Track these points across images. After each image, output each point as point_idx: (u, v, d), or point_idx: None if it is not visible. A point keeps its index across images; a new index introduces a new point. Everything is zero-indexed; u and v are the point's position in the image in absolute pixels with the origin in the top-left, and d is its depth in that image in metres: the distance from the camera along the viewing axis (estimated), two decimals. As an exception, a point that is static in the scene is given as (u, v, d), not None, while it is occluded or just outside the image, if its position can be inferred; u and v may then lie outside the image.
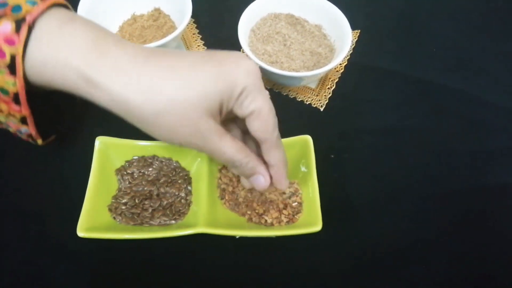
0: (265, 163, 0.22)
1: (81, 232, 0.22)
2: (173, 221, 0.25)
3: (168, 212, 0.25)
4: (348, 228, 0.27)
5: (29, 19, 0.17)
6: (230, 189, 0.26)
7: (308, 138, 0.26)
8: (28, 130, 0.20)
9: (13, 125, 0.20)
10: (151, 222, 0.25)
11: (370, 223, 0.27)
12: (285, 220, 0.24)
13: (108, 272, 0.24)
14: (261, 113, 0.19)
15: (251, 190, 0.26)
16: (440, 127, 0.32)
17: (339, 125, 0.32)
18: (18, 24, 0.16)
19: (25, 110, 0.18)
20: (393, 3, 0.40)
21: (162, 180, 0.26)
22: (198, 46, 0.36)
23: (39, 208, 0.26)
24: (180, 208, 0.25)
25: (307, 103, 0.33)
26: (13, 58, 0.17)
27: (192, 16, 0.33)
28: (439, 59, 0.36)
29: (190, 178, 0.27)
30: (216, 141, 0.19)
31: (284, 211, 0.25)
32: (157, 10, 0.35)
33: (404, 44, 0.37)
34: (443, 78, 0.35)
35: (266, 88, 0.23)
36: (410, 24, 0.39)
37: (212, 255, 0.25)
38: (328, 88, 0.34)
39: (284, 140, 0.23)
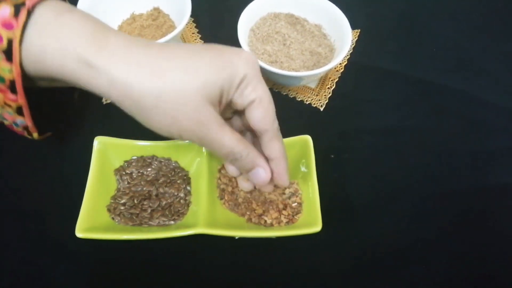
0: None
1: (79, 233, 0.22)
2: (172, 222, 0.25)
3: (167, 213, 0.25)
4: (348, 228, 0.26)
5: (28, 4, 0.16)
6: (230, 189, 0.26)
7: (308, 138, 0.26)
8: (24, 121, 0.19)
9: (9, 117, 0.19)
10: (150, 222, 0.24)
11: (370, 223, 0.27)
12: (284, 220, 0.24)
13: (108, 272, 0.24)
14: (262, 102, 0.20)
15: (251, 191, 0.26)
16: (440, 127, 0.32)
17: (339, 125, 0.32)
18: (17, 8, 0.16)
19: (21, 99, 0.18)
20: (393, 3, 0.40)
21: (161, 180, 0.26)
22: (198, 45, 0.36)
23: (39, 208, 0.26)
24: (179, 209, 0.25)
25: (307, 103, 0.33)
26: (10, 43, 0.16)
27: (192, 16, 0.33)
28: (439, 59, 0.36)
29: (189, 178, 0.27)
30: (216, 131, 0.19)
31: (283, 212, 0.25)
32: (157, 10, 0.35)
33: (405, 44, 0.37)
34: (444, 78, 0.35)
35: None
36: (410, 24, 0.39)
37: (211, 255, 0.25)
38: (328, 88, 0.34)
39: (284, 140, 0.22)
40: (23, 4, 0.16)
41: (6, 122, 0.20)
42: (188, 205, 0.26)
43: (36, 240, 0.25)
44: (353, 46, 0.36)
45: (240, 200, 0.26)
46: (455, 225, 0.27)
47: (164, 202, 0.25)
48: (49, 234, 0.25)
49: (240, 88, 0.19)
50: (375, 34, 0.37)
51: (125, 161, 0.27)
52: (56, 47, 0.17)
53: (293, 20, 0.34)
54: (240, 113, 0.22)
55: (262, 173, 0.21)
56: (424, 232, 0.27)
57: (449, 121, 0.32)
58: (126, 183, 0.26)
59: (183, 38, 0.36)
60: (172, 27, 0.34)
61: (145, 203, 0.25)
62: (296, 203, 0.25)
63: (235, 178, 0.26)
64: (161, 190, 0.26)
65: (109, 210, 0.25)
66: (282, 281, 0.24)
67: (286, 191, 0.26)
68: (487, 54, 0.37)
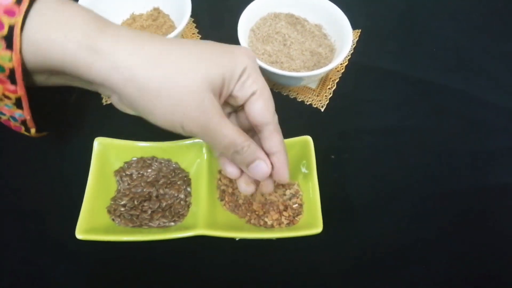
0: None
1: (79, 234, 0.22)
2: (172, 223, 0.25)
3: (167, 214, 0.25)
4: (348, 228, 0.26)
5: None
6: (230, 190, 0.26)
7: (308, 139, 0.26)
8: (22, 115, 0.19)
9: (7, 111, 0.19)
10: (150, 224, 0.24)
11: (370, 223, 0.27)
12: (285, 222, 0.24)
13: (108, 272, 0.24)
14: (262, 94, 0.20)
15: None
16: (440, 127, 0.32)
17: (339, 125, 0.32)
18: None
19: (20, 90, 0.18)
20: (394, 3, 0.40)
21: (161, 182, 0.26)
22: (198, 45, 0.36)
23: (39, 208, 0.26)
24: (180, 210, 0.25)
25: (307, 103, 0.33)
26: (11, 29, 0.16)
27: (192, 16, 0.33)
28: (439, 59, 0.36)
29: (189, 179, 0.27)
30: (218, 121, 0.19)
31: (284, 213, 0.25)
32: (156, 10, 0.35)
33: (405, 44, 0.37)
34: (444, 78, 0.35)
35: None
36: (411, 24, 0.39)
37: (211, 256, 0.25)
38: (329, 88, 0.33)
39: (285, 141, 0.22)
40: None
41: (3, 118, 0.20)
42: (188, 206, 0.26)
43: (36, 240, 0.25)
44: (353, 46, 0.36)
45: (240, 201, 0.26)
46: (455, 225, 0.27)
47: (164, 204, 0.25)
48: (49, 234, 0.25)
49: (241, 79, 0.19)
50: (376, 34, 0.37)
51: (125, 162, 0.27)
52: (58, 32, 0.17)
53: (293, 20, 0.34)
54: (237, 111, 0.22)
55: (263, 166, 0.21)
56: (424, 232, 0.27)
57: (449, 121, 0.32)
58: (126, 184, 0.26)
59: (183, 38, 0.36)
60: (172, 27, 0.34)
61: (145, 204, 0.25)
62: (296, 205, 0.25)
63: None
64: (161, 191, 0.26)
65: (109, 211, 0.25)
66: (282, 282, 0.24)
67: (287, 192, 0.26)
68: (487, 54, 0.37)
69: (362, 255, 0.26)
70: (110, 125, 0.30)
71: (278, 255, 0.25)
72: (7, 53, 0.16)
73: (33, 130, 0.21)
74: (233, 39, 0.30)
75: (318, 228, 0.22)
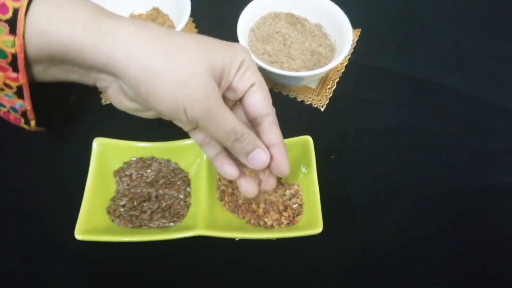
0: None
1: (79, 235, 0.22)
2: (172, 223, 0.24)
3: (167, 214, 0.25)
4: (348, 228, 0.26)
5: None
6: (230, 190, 0.26)
7: (308, 139, 0.26)
8: (23, 105, 0.19)
9: (7, 101, 0.19)
10: (150, 224, 0.24)
11: (370, 223, 0.27)
12: (285, 222, 0.24)
13: (108, 272, 0.24)
14: (262, 85, 0.20)
15: None
16: (440, 127, 0.32)
17: (339, 125, 0.32)
18: None
19: (22, 78, 0.18)
20: (394, 3, 0.40)
21: (161, 182, 0.26)
22: (197, 45, 0.36)
23: (39, 208, 0.26)
24: (179, 210, 0.25)
25: (307, 103, 0.33)
26: (15, 12, 0.16)
27: (191, 16, 0.33)
28: (439, 59, 0.36)
29: (189, 180, 0.27)
30: (221, 106, 0.19)
31: (284, 213, 0.25)
32: (156, 10, 0.35)
33: (405, 43, 0.37)
34: (444, 78, 0.35)
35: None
36: (411, 24, 0.39)
37: (211, 256, 0.25)
38: (329, 88, 0.33)
39: (284, 141, 0.22)
40: None
41: (3, 110, 0.20)
42: (188, 207, 0.26)
43: (36, 240, 0.25)
44: (354, 45, 0.36)
45: (240, 201, 0.26)
46: (455, 225, 0.27)
47: (164, 204, 0.25)
48: (49, 235, 0.25)
49: (240, 71, 0.20)
50: (376, 34, 0.37)
51: (125, 163, 0.27)
52: (63, 15, 0.17)
53: (293, 20, 0.34)
54: (234, 108, 0.22)
55: (263, 155, 0.21)
56: (424, 232, 0.27)
57: (449, 121, 0.32)
58: (125, 184, 0.26)
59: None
60: (172, 27, 0.34)
61: (144, 204, 0.25)
62: (296, 205, 0.25)
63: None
64: (160, 191, 0.26)
65: (108, 212, 0.25)
66: (282, 282, 0.24)
67: (287, 193, 0.26)
68: (487, 54, 0.37)
69: (362, 255, 0.26)
70: (109, 125, 0.30)
71: (278, 255, 0.25)
72: (10, 37, 0.16)
73: (33, 122, 0.20)
74: (232, 39, 0.30)
75: (318, 228, 0.22)
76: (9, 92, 0.18)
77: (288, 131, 0.24)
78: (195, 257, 0.25)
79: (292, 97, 0.33)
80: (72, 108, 0.30)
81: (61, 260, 0.24)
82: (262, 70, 0.26)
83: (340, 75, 0.34)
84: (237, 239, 0.24)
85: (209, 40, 0.19)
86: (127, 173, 0.26)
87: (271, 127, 0.21)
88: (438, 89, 0.34)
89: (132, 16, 0.35)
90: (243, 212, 0.25)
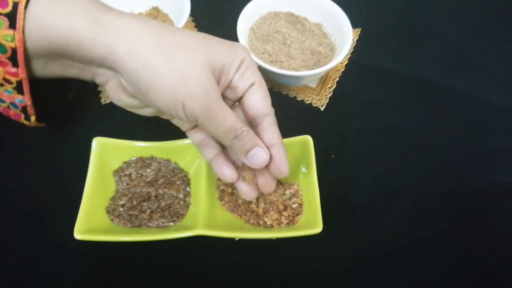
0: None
1: (78, 235, 0.22)
2: (171, 223, 0.24)
3: (166, 214, 0.25)
4: (348, 228, 0.26)
5: None
6: (229, 190, 0.26)
7: (308, 139, 0.26)
8: (23, 100, 0.19)
9: (7, 97, 0.19)
10: (149, 224, 0.24)
11: (370, 223, 0.27)
12: (285, 221, 0.24)
13: (107, 272, 0.24)
14: (262, 84, 0.20)
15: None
16: (440, 127, 0.32)
17: (339, 125, 0.32)
18: None
19: (22, 72, 0.17)
20: (394, 2, 0.40)
21: (160, 181, 0.26)
22: (197, 45, 0.36)
23: (38, 208, 0.26)
24: (179, 210, 0.25)
25: (307, 102, 0.33)
26: (15, 6, 0.16)
27: (191, 15, 0.33)
28: (440, 59, 0.36)
29: (188, 179, 0.27)
30: (220, 103, 0.19)
31: (284, 213, 0.25)
32: (155, 9, 0.35)
33: (405, 43, 0.37)
34: (444, 78, 0.35)
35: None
36: (411, 24, 0.39)
37: (211, 256, 0.25)
38: (329, 87, 0.33)
39: (284, 140, 0.22)
40: None
41: (3, 105, 0.20)
42: (187, 206, 0.26)
43: (36, 240, 0.25)
44: (354, 45, 0.36)
45: (240, 201, 0.25)
46: (455, 225, 0.27)
47: (163, 203, 0.25)
48: (48, 234, 0.25)
49: (240, 69, 0.20)
50: (376, 33, 0.37)
51: (124, 162, 0.27)
52: (63, 9, 0.17)
53: (293, 19, 0.34)
54: (233, 107, 0.22)
55: (262, 153, 0.21)
56: (424, 232, 0.27)
57: (449, 121, 0.32)
58: (125, 184, 0.26)
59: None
60: (171, 26, 0.34)
61: (144, 204, 0.25)
62: (296, 204, 0.25)
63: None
64: (160, 191, 0.26)
65: (108, 211, 0.25)
66: (282, 282, 0.24)
67: (287, 192, 0.26)
68: (487, 54, 0.37)
69: (362, 255, 0.25)
70: (108, 125, 0.30)
71: (278, 255, 0.25)
72: (10, 32, 0.16)
73: (33, 118, 0.20)
74: (232, 39, 0.30)
75: (318, 228, 0.22)
76: (8, 87, 0.18)
77: (287, 130, 0.24)
78: (195, 257, 0.25)
79: (292, 96, 0.33)
80: (72, 106, 0.29)
81: (61, 260, 0.24)
82: (262, 70, 0.26)
83: (340, 74, 0.34)
84: (236, 239, 0.24)
85: (209, 38, 0.19)
86: (126, 172, 0.26)
87: (270, 128, 0.21)
88: (439, 89, 0.34)
89: (132, 15, 0.35)
90: (242, 212, 0.25)
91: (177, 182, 0.26)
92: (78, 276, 0.24)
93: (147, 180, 0.26)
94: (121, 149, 0.27)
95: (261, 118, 0.21)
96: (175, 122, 0.22)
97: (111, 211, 0.25)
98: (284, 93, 0.33)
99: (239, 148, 0.20)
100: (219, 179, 0.26)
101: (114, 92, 0.20)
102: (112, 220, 0.24)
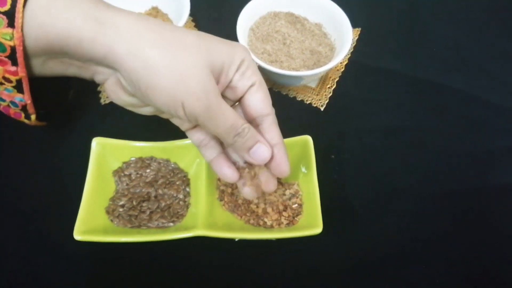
0: None
1: (78, 235, 0.22)
2: (171, 224, 0.24)
3: (166, 214, 0.25)
4: (348, 228, 0.26)
5: None
6: (229, 190, 0.26)
7: (308, 139, 0.26)
8: (23, 99, 0.19)
9: (7, 96, 0.19)
10: (149, 224, 0.24)
11: (370, 223, 0.27)
12: (285, 222, 0.24)
13: (107, 273, 0.24)
14: (262, 84, 0.20)
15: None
16: (440, 127, 0.32)
17: (339, 125, 0.31)
18: None
19: (21, 71, 0.17)
20: (394, 2, 0.40)
21: (160, 182, 0.26)
22: (197, 45, 0.35)
23: (38, 208, 0.26)
24: (179, 210, 0.25)
25: (307, 102, 0.33)
26: (13, 5, 0.16)
27: (190, 15, 0.33)
28: (440, 59, 0.36)
29: (188, 180, 0.27)
30: (220, 102, 0.18)
31: (284, 213, 0.25)
32: (155, 9, 0.35)
33: (405, 43, 0.37)
34: (444, 78, 0.35)
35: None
36: (411, 23, 0.39)
37: (211, 256, 0.25)
38: (329, 87, 0.33)
39: (284, 140, 0.22)
40: None
41: (3, 104, 0.20)
42: (187, 207, 0.25)
43: (36, 240, 0.25)
44: (354, 45, 0.36)
45: (240, 201, 0.25)
46: (455, 225, 0.27)
47: (163, 204, 0.25)
48: (48, 235, 0.25)
49: (240, 70, 0.20)
50: (376, 33, 0.37)
51: (124, 162, 0.27)
52: (62, 6, 0.17)
53: (293, 19, 0.34)
54: (233, 107, 0.22)
55: (264, 149, 0.21)
56: (424, 232, 0.27)
57: (450, 121, 0.32)
58: (124, 184, 0.26)
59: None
60: (171, 26, 0.34)
61: (144, 204, 0.25)
62: (296, 205, 0.25)
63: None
64: (160, 191, 0.26)
65: (107, 212, 0.25)
66: (282, 282, 0.24)
67: (287, 192, 0.26)
68: (488, 54, 0.37)
69: (362, 255, 0.25)
70: (108, 125, 0.30)
71: (278, 255, 0.25)
72: (9, 30, 0.16)
73: (33, 117, 0.20)
74: (232, 38, 0.30)
75: (318, 229, 0.22)
76: (8, 86, 0.18)
77: (287, 130, 0.24)
78: (195, 258, 0.25)
79: (291, 96, 0.33)
80: (72, 105, 0.29)
81: (61, 260, 0.24)
82: (261, 70, 0.26)
83: (340, 74, 0.34)
84: (236, 239, 0.24)
85: (209, 37, 0.19)
86: (126, 173, 0.26)
87: (271, 127, 0.21)
88: (439, 89, 0.34)
89: (131, 15, 0.35)
90: (242, 212, 0.25)
91: (177, 183, 0.26)
92: (78, 276, 0.24)
93: (147, 180, 0.26)
94: (121, 149, 0.27)
95: (261, 118, 0.21)
96: (175, 121, 0.22)
97: (110, 211, 0.25)
98: (284, 93, 0.33)
99: (241, 145, 0.20)
100: (219, 179, 0.26)
101: (113, 91, 0.20)
102: (111, 220, 0.24)
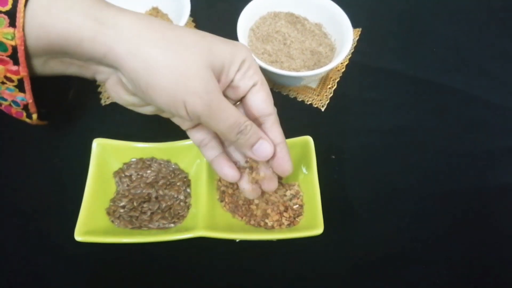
0: None
1: (79, 236, 0.22)
2: (172, 225, 0.24)
3: (167, 215, 0.25)
4: (348, 229, 0.26)
5: None
6: (230, 191, 0.26)
7: (309, 139, 0.26)
8: (24, 98, 0.19)
9: (9, 95, 0.19)
10: (150, 225, 0.24)
11: (371, 223, 0.27)
12: (286, 223, 0.24)
13: (107, 274, 0.24)
14: (264, 84, 0.20)
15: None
16: (440, 127, 0.32)
17: (340, 125, 0.32)
18: None
19: (23, 70, 0.17)
20: (394, 2, 0.40)
21: (160, 183, 0.26)
22: (197, 45, 0.35)
23: (38, 209, 0.26)
24: (179, 211, 0.25)
25: (307, 103, 0.33)
26: (15, 4, 0.16)
27: (191, 15, 0.33)
28: (440, 59, 0.36)
29: (189, 180, 0.27)
30: (222, 99, 0.18)
31: (285, 214, 0.25)
32: (155, 9, 0.35)
33: (406, 43, 0.37)
34: (444, 78, 0.35)
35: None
36: (412, 23, 0.39)
37: (211, 257, 0.25)
38: (329, 87, 0.33)
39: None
40: None
41: (4, 103, 0.20)
42: (188, 208, 0.25)
43: (36, 241, 0.25)
44: (354, 45, 0.36)
45: (240, 202, 0.25)
46: (455, 225, 0.27)
47: (164, 205, 0.25)
48: (48, 235, 0.25)
49: (242, 69, 0.20)
50: (377, 33, 0.37)
51: (124, 163, 0.27)
52: (63, 6, 0.17)
53: (293, 19, 0.34)
54: (235, 106, 0.22)
55: (267, 145, 0.21)
56: (424, 232, 0.27)
57: (450, 121, 0.32)
58: (125, 185, 0.26)
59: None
60: (171, 26, 0.33)
61: (144, 205, 0.25)
62: (297, 205, 0.25)
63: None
64: (160, 192, 0.26)
65: (108, 213, 0.25)
66: (283, 282, 0.24)
67: (287, 193, 0.26)
68: (488, 54, 0.37)
69: (363, 255, 0.26)
70: (109, 126, 0.30)
71: (279, 256, 0.25)
72: (10, 30, 0.16)
73: (34, 116, 0.20)
74: (232, 39, 0.30)
75: (319, 229, 0.22)
76: (10, 85, 0.18)
77: (288, 131, 0.24)
78: (195, 258, 0.25)
79: (292, 97, 0.33)
80: (72, 105, 0.29)
81: (61, 261, 0.24)
82: (262, 70, 0.26)
83: (341, 74, 0.34)
84: (237, 240, 0.24)
85: (210, 36, 0.19)
86: (127, 173, 0.26)
87: (273, 127, 0.21)
88: (439, 89, 0.34)
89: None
90: (243, 213, 0.25)
91: (178, 183, 0.26)
92: (78, 277, 0.24)
93: (148, 181, 0.26)
94: (121, 150, 0.27)
95: (263, 118, 0.21)
96: (176, 120, 0.22)
97: (111, 212, 0.25)
98: (285, 94, 0.33)
99: (244, 142, 0.20)
100: (219, 180, 0.26)
101: (114, 90, 0.20)
102: (112, 221, 0.24)
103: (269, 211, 0.25)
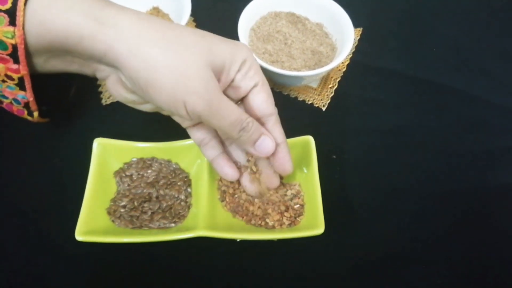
0: None
1: (79, 236, 0.22)
2: (172, 224, 0.24)
3: (167, 215, 0.25)
4: (349, 229, 0.27)
5: None
6: (231, 191, 0.26)
7: (310, 139, 0.26)
8: (25, 96, 0.19)
9: (9, 93, 0.19)
10: (151, 225, 0.24)
11: (371, 223, 0.27)
12: (286, 222, 0.24)
13: (108, 273, 0.24)
14: (265, 84, 0.20)
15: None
16: (441, 127, 0.32)
17: (341, 125, 0.32)
18: None
19: (23, 69, 0.17)
20: (395, 2, 0.40)
21: (161, 182, 0.26)
22: (197, 44, 0.35)
23: (38, 209, 0.26)
24: (180, 211, 0.25)
25: (308, 103, 0.33)
26: (14, 3, 0.16)
27: (192, 15, 0.33)
28: (440, 59, 0.36)
29: (190, 180, 0.27)
30: (223, 97, 0.18)
31: (285, 214, 0.25)
32: (156, 9, 0.35)
33: (407, 43, 0.37)
34: (445, 78, 0.35)
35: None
36: (412, 23, 0.39)
37: (212, 257, 0.25)
38: (330, 87, 0.33)
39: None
40: None
41: (5, 101, 0.20)
42: (188, 207, 0.25)
43: (36, 240, 0.25)
44: (355, 45, 0.36)
45: (241, 202, 0.25)
46: (455, 225, 0.27)
47: (164, 204, 0.25)
48: (49, 236, 0.25)
49: (243, 69, 0.20)
50: (377, 33, 0.37)
51: (125, 163, 0.27)
52: (62, 4, 0.17)
53: (294, 19, 0.34)
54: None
55: (269, 141, 0.21)
56: (424, 232, 0.27)
57: (450, 121, 0.32)
58: (126, 185, 0.26)
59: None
60: (171, 25, 0.33)
61: (145, 205, 0.25)
62: (298, 205, 0.25)
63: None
64: (161, 192, 0.26)
65: (109, 212, 0.25)
66: (284, 282, 0.24)
67: (288, 193, 0.26)
68: (488, 54, 0.37)
69: (363, 255, 0.26)
70: (109, 125, 0.30)
71: (280, 256, 0.25)
72: (10, 28, 0.16)
73: (36, 114, 0.20)
74: (233, 39, 0.30)
75: (319, 229, 0.22)
76: (11, 83, 0.18)
77: (289, 131, 0.24)
78: (196, 258, 0.25)
79: (293, 96, 0.33)
80: (73, 103, 0.29)
81: (61, 261, 0.24)
82: (263, 70, 0.26)
83: (342, 74, 0.34)
84: (238, 240, 0.24)
85: (211, 35, 0.19)
86: (127, 173, 0.26)
87: (274, 127, 0.21)
88: (439, 88, 0.34)
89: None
90: (244, 213, 0.25)
91: (178, 183, 0.26)
92: (78, 277, 0.24)
93: (148, 181, 0.26)
94: (122, 150, 0.27)
95: (265, 119, 0.21)
96: (176, 118, 0.22)
97: (112, 212, 0.25)
98: (285, 93, 0.33)
99: (246, 139, 0.20)
100: (220, 180, 0.26)
101: (114, 88, 0.20)
102: (113, 221, 0.24)
103: (269, 210, 0.25)
